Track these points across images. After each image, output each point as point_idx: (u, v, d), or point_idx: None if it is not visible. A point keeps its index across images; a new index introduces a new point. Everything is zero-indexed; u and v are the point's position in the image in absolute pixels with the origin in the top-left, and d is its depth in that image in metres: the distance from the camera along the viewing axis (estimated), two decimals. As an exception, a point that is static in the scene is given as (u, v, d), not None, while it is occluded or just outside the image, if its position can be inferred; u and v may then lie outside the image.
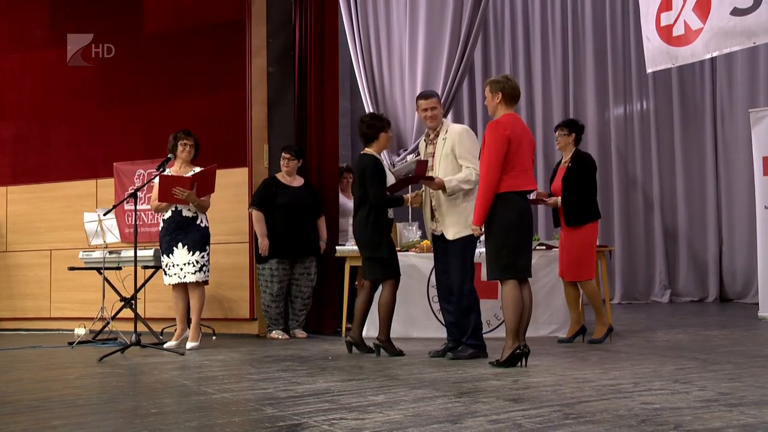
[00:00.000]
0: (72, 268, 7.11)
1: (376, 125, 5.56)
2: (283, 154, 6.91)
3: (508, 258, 4.65)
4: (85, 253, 6.95)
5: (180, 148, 6.17)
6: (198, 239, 6.05)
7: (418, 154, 7.67)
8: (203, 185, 5.98)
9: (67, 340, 6.64)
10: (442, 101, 8.49)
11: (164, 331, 6.92)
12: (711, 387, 3.72)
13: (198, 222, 6.10)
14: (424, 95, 5.52)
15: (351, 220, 5.85)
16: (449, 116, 9.02)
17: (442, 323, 5.89)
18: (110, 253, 6.79)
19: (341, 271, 7.06)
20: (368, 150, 5.55)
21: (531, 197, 6.19)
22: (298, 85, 7.65)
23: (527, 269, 4.75)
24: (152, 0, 7.91)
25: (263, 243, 6.72)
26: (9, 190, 8.31)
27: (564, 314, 6.36)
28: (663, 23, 6.65)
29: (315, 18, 7.62)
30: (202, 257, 6.04)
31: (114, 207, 6.48)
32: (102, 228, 6.86)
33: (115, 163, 7.83)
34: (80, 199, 7.86)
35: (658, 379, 4.04)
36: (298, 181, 6.98)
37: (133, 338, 5.63)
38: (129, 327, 6.10)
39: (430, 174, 5.26)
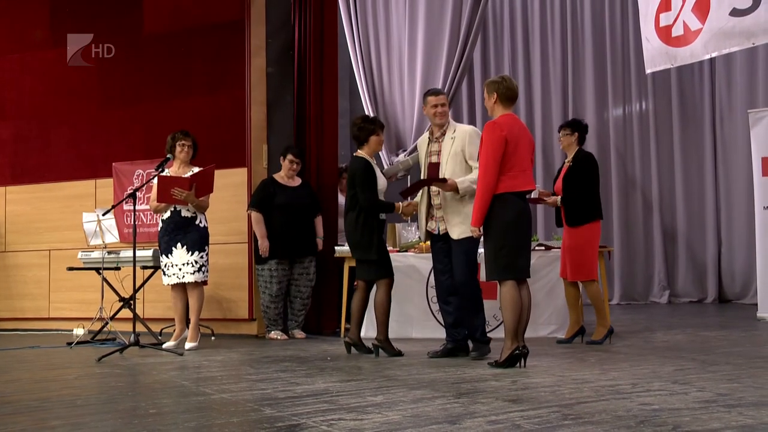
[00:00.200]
0: (71, 269, 7.11)
1: (367, 128, 5.55)
2: (290, 157, 6.90)
3: (507, 258, 4.65)
4: (84, 254, 6.94)
5: (178, 148, 6.17)
6: (197, 239, 6.05)
7: (412, 153, 7.65)
8: (202, 185, 5.98)
9: (65, 340, 6.64)
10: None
11: (163, 331, 6.92)
12: (710, 388, 3.72)
13: (197, 222, 6.10)
14: (434, 92, 5.49)
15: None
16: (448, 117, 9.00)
17: (441, 324, 5.89)
18: (109, 253, 6.79)
19: (340, 272, 7.06)
20: (360, 153, 5.55)
21: (532, 196, 6.23)
22: (298, 86, 7.65)
23: (526, 270, 4.75)
24: (152, 0, 7.91)
25: (263, 244, 6.71)
26: (8, 190, 8.31)
27: (563, 315, 6.36)
28: (662, 24, 6.66)
29: (314, 18, 7.62)
30: (201, 257, 6.03)
31: (113, 207, 6.48)
32: (101, 228, 6.85)
33: (114, 164, 7.83)
34: (79, 199, 7.86)
35: (656, 379, 4.04)
36: (295, 181, 6.98)
37: (132, 338, 5.62)
38: (128, 327, 6.10)
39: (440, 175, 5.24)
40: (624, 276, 10.99)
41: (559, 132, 6.30)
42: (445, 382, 4.12)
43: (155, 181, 6.00)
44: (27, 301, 8.11)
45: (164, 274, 6.10)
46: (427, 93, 5.50)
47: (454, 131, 5.31)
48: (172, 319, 6.27)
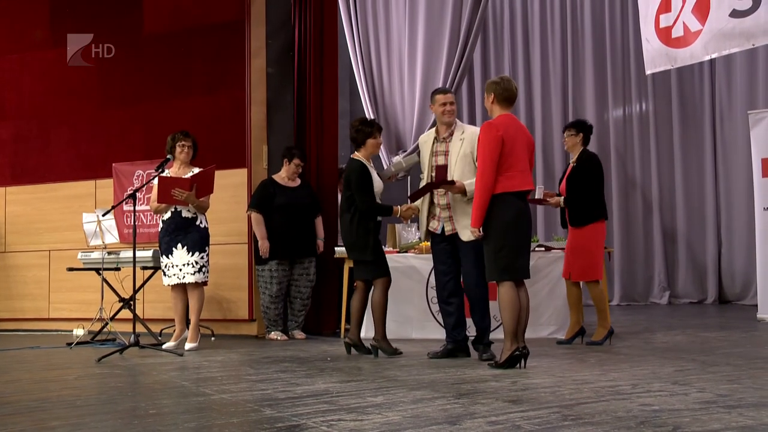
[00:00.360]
0: (71, 269, 7.10)
1: (364, 131, 5.54)
2: (296, 161, 6.89)
3: (507, 259, 4.64)
4: (83, 254, 6.94)
5: (178, 149, 6.17)
6: (197, 240, 6.05)
7: (411, 153, 7.61)
8: (202, 186, 5.98)
9: (65, 340, 6.64)
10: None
11: (163, 331, 6.92)
12: (710, 389, 3.72)
13: (197, 223, 6.10)
14: (442, 90, 5.46)
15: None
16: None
17: (440, 324, 5.89)
18: (109, 253, 6.78)
19: (340, 272, 7.06)
20: (357, 155, 5.56)
21: (536, 197, 6.23)
22: (298, 86, 7.65)
23: (526, 270, 4.75)
24: (152, 0, 7.91)
25: (263, 245, 6.71)
26: (8, 190, 8.31)
27: (563, 316, 6.36)
28: (662, 25, 6.66)
29: (314, 19, 7.62)
30: (202, 258, 6.03)
31: (113, 208, 6.48)
32: (101, 229, 6.85)
33: (114, 164, 7.83)
34: (79, 199, 7.86)
35: (656, 380, 4.04)
36: (295, 182, 6.98)
37: (132, 339, 5.62)
38: (128, 328, 6.10)
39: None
40: (624, 277, 10.98)
41: (563, 132, 6.28)
42: (445, 382, 4.11)
43: (155, 181, 6.00)
44: (27, 301, 8.11)
45: (164, 274, 6.10)
46: (435, 92, 5.47)
47: (463, 132, 5.26)
48: (172, 320, 6.26)
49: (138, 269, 6.26)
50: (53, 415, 3.41)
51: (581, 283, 6.01)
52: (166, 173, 6.04)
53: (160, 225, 6.17)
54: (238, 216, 7.16)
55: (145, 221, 7.64)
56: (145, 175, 7.56)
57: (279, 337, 6.76)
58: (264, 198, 6.81)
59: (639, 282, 11.03)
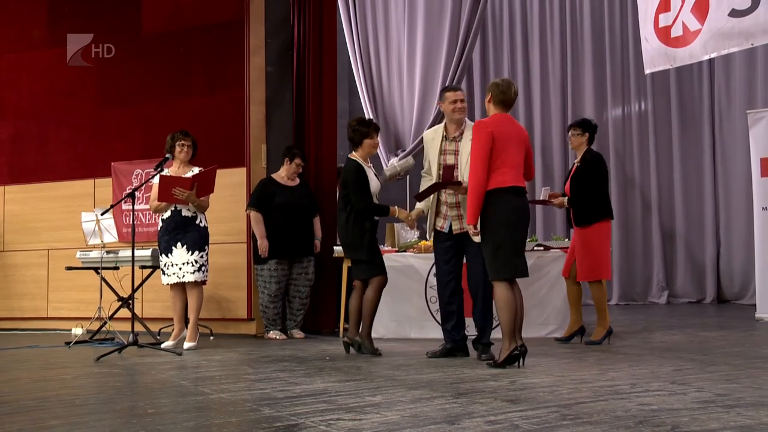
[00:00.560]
0: (69, 268, 7.09)
1: (361, 131, 5.54)
2: (297, 161, 6.90)
3: (506, 257, 4.63)
4: (82, 253, 6.94)
5: (178, 148, 6.17)
6: (197, 239, 6.05)
7: (411, 153, 7.61)
8: (203, 186, 5.98)
9: (64, 339, 6.63)
10: (439, 102, 8.53)
11: (161, 331, 6.92)
12: (708, 388, 3.73)
13: (197, 222, 6.10)
14: (452, 87, 5.42)
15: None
16: (447, 117, 9.01)
17: (439, 323, 5.88)
18: (108, 252, 6.78)
19: (339, 272, 7.06)
20: (354, 155, 5.56)
21: (541, 198, 6.22)
22: (297, 85, 7.65)
23: (525, 269, 4.74)
24: (151, 0, 7.91)
25: (263, 244, 6.71)
26: (6, 189, 8.31)
27: (562, 315, 6.36)
28: (661, 24, 6.66)
29: (313, 18, 7.62)
30: (201, 257, 6.03)
31: (111, 207, 6.47)
32: (99, 228, 6.84)
33: (113, 163, 7.83)
34: (78, 198, 7.86)
35: (655, 380, 4.04)
36: (294, 181, 6.98)
37: (131, 338, 5.61)
38: (126, 327, 6.09)
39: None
40: (623, 276, 10.99)
41: (568, 131, 6.26)
42: (443, 382, 4.11)
43: (155, 180, 6.01)
44: (25, 300, 8.10)
45: (164, 273, 6.10)
46: (445, 89, 5.44)
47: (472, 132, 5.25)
48: (171, 319, 6.27)
49: (137, 268, 6.26)
50: (52, 414, 3.40)
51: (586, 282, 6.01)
52: (165, 172, 6.04)
53: (160, 224, 6.17)
54: (237, 215, 7.16)
55: (143, 220, 7.64)
56: (143, 174, 7.56)
57: (278, 337, 6.76)
58: (263, 197, 6.81)
59: (638, 281, 11.04)
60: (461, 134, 5.26)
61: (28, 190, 8.20)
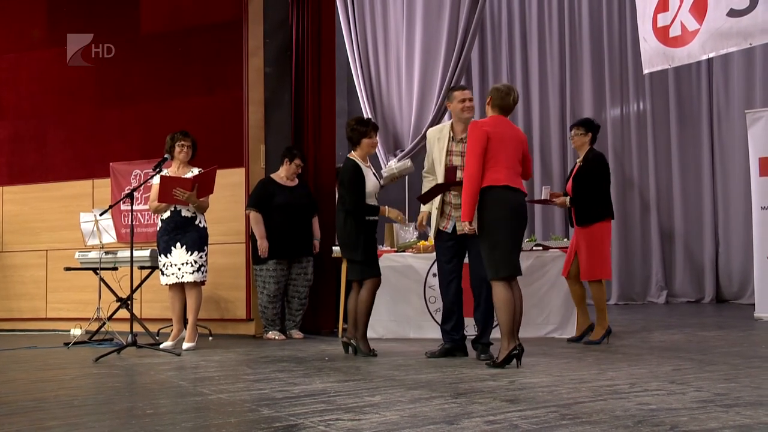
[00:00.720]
0: (68, 269, 7.09)
1: (359, 130, 5.53)
2: (297, 162, 6.91)
3: (503, 255, 4.63)
4: (81, 254, 6.93)
5: (177, 149, 6.16)
6: (196, 239, 6.05)
7: (410, 153, 7.55)
8: (203, 186, 5.98)
9: (63, 340, 6.63)
10: (438, 102, 8.53)
11: (160, 331, 6.91)
12: (707, 388, 3.73)
13: (197, 222, 6.10)
14: (460, 87, 5.41)
15: None
16: (445, 117, 9.02)
17: (438, 324, 5.88)
18: (106, 253, 6.78)
19: (338, 272, 7.06)
20: (352, 154, 5.55)
21: (542, 197, 6.22)
22: (295, 86, 7.65)
23: (519, 267, 4.74)
24: (150, 0, 7.91)
25: (263, 244, 6.70)
26: (5, 190, 8.30)
27: (561, 314, 6.37)
28: (660, 24, 6.66)
29: (312, 18, 7.62)
30: (201, 257, 6.03)
31: (110, 207, 6.46)
32: (98, 228, 6.84)
33: (111, 163, 7.82)
34: (77, 199, 7.86)
35: (654, 379, 4.04)
36: (293, 182, 6.98)
37: (130, 339, 5.61)
38: (125, 327, 6.09)
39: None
40: (621, 276, 11.00)
41: (570, 130, 6.26)
42: (442, 382, 4.11)
43: (155, 180, 6.00)
44: (24, 301, 8.10)
45: (163, 273, 6.10)
46: (453, 89, 5.42)
47: None
48: (170, 320, 6.26)
49: (135, 269, 6.25)
50: (50, 415, 3.40)
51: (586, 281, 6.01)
52: (165, 172, 6.04)
53: (159, 224, 6.17)
54: (236, 215, 7.16)
55: (142, 221, 7.63)
56: (142, 175, 7.56)
57: (277, 337, 6.76)
58: (263, 197, 6.81)
59: (636, 281, 11.05)
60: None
61: (27, 191, 8.19)
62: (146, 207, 7.18)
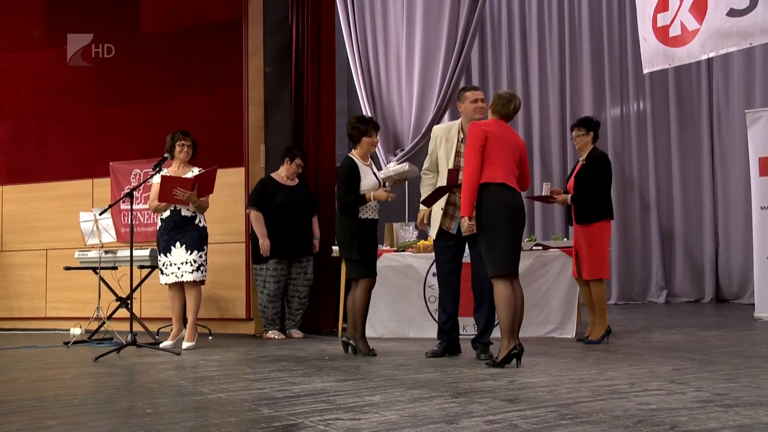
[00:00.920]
0: (68, 268, 7.09)
1: (360, 128, 5.53)
2: (297, 161, 6.92)
3: (502, 253, 4.63)
4: (81, 253, 6.93)
5: (178, 148, 6.16)
6: (196, 239, 6.05)
7: (410, 153, 7.48)
8: (203, 186, 5.99)
9: (62, 339, 6.63)
10: (438, 102, 8.54)
11: (160, 331, 6.91)
12: (707, 387, 3.73)
13: (196, 222, 6.10)
14: (472, 87, 5.39)
15: None
16: (445, 116, 9.03)
17: (437, 322, 5.87)
18: (106, 252, 6.77)
19: (337, 271, 7.05)
20: (352, 153, 5.56)
21: (543, 194, 6.21)
22: (295, 85, 7.64)
23: (517, 263, 4.74)
24: (150, 0, 7.90)
25: (264, 243, 6.70)
26: (5, 189, 8.30)
27: (561, 314, 6.36)
28: (660, 24, 6.66)
29: (312, 18, 7.62)
30: (200, 257, 6.03)
31: (110, 206, 6.46)
32: (98, 227, 6.84)
33: (111, 163, 7.82)
34: (76, 198, 7.86)
35: (654, 379, 4.04)
36: (294, 181, 6.98)
37: (129, 338, 5.61)
38: (125, 327, 6.09)
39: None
40: (621, 276, 10.99)
41: (571, 131, 6.25)
42: (442, 381, 4.11)
43: (155, 180, 6.00)
44: (24, 300, 8.10)
45: (162, 273, 6.10)
46: (464, 89, 5.41)
47: None
48: (170, 319, 6.26)
49: (135, 268, 6.25)
50: (50, 415, 3.40)
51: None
52: (165, 172, 6.04)
53: (159, 223, 6.17)
54: (236, 215, 7.16)
55: (142, 220, 7.63)
56: (142, 174, 7.56)
57: (276, 336, 6.76)
58: (263, 196, 6.81)
59: (636, 281, 11.04)
60: None
61: (27, 190, 8.19)
62: (146, 206, 7.18)
